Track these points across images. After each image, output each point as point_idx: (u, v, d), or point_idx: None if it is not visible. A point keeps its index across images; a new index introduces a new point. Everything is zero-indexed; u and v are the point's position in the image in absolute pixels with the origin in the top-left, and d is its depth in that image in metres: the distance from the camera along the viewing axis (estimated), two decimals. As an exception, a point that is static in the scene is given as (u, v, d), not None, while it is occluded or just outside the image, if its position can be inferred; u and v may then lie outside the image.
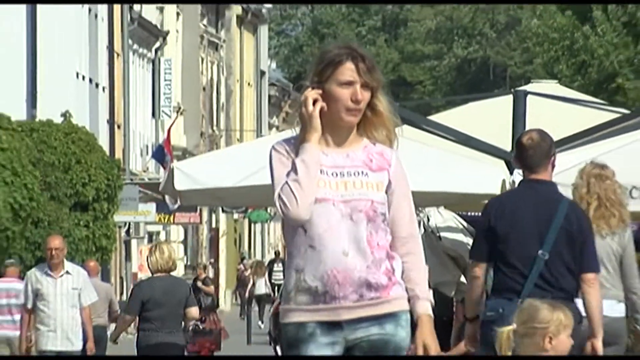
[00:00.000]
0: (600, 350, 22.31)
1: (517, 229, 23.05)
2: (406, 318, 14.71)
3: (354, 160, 14.26)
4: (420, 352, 14.51)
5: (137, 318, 37.01)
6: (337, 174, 14.19)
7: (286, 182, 14.27)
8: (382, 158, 14.26)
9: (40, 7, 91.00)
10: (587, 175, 26.44)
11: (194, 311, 37.38)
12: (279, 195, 14.19)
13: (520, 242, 22.87)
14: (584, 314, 22.21)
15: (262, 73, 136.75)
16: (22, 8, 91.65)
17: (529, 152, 24.95)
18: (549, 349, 15.80)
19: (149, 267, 38.22)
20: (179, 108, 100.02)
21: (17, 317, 43.82)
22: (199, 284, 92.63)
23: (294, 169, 14.34)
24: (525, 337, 15.97)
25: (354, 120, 14.02)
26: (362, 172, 14.32)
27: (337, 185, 14.16)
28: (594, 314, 22.40)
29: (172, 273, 38.72)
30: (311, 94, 14.03)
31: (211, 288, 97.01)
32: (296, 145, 14.24)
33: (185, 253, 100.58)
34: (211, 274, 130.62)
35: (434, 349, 14.60)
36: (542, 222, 23.17)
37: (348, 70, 13.91)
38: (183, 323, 37.70)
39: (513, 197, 24.60)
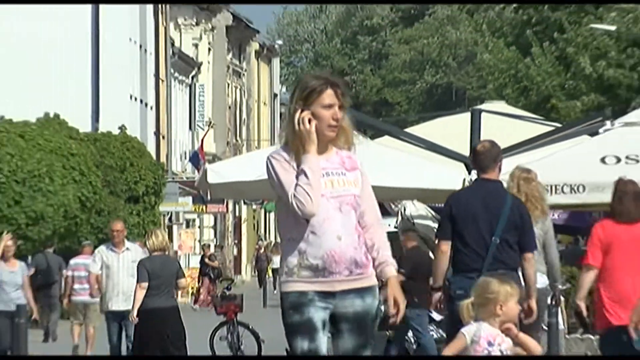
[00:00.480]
0: (534, 308, 25.99)
1: (473, 218, 26.60)
2: (376, 289, 16.73)
3: (333, 163, 16.24)
4: (391, 305, 16.37)
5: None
6: (324, 175, 16.10)
7: (299, 185, 16.02)
8: (351, 160, 16.37)
9: (102, 41, 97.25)
10: (517, 179, 30.42)
11: (183, 282, 41.76)
12: (295, 196, 16.06)
13: (477, 230, 26.29)
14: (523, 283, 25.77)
15: (275, 95, 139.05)
16: (88, 45, 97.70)
17: (481, 157, 28.66)
18: (500, 314, 18.26)
19: (147, 248, 43.25)
20: (210, 122, 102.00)
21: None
22: (206, 260, 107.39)
23: (303, 174, 16.15)
24: (480, 307, 18.36)
25: (334, 134, 16.32)
26: (341, 172, 16.34)
27: (325, 184, 16.08)
28: (530, 282, 26.15)
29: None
30: (305, 114, 16.13)
31: (215, 263, 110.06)
32: (290, 154, 16.14)
33: (215, 236, 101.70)
34: (235, 252, 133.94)
35: (401, 302, 16.43)
36: (492, 214, 26.64)
37: (329, 96, 16.19)
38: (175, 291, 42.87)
39: (469, 192, 28.66)
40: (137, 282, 41.86)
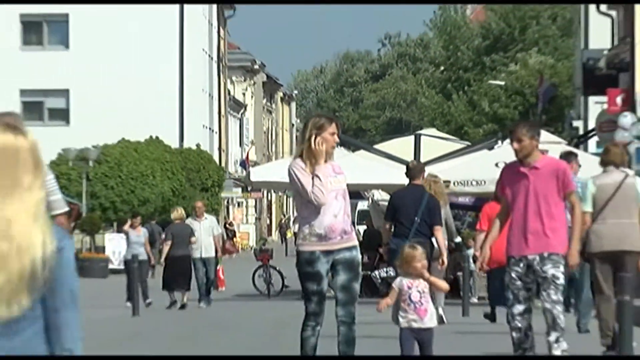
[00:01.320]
0: (445, 259, 25.67)
1: (405, 207, 25.87)
2: (357, 246, 16.46)
3: (328, 169, 15.80)
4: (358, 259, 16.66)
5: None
6: (331, 179, 15.72)
7: (316, 185, 15.62)
8: (338, 167, 16.17)
9: (186, 90, 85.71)
10: (427, 182, 28.97)
11: (193, 239, 41.22)
12: (314, 192, 15.64)
13: (407, 213, 25.63)
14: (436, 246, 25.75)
15: (292, 125, 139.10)
16: (176, 93, 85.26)
17: (411, 171, 27.95)
18: (410, 269, 16.58)
19: (173, 218, 44.37)
20: (252, 142, 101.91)
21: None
22: (227, 225, 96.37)
23: (318, 178, 15.71)
24: (401, 267, 16.93)
25: (333, 151, 16.37)
26: (334, 175, 15.91)
27: (332, 185, 15.78)
28: (440, 244, 25.48)
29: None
30: (319, 140, 15.65)
31: (233, 227, 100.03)
32: (304, 163, 15.66)
33: (255, 212, 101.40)
34: (268, 222, 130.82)
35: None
36: (416, 204, 25.94)
37: (333, 127, 15.84)
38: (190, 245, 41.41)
39: (404, 191, 27.72)
40: (164, 240, 43.87)
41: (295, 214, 16.43)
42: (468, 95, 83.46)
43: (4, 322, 5.75)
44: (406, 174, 28.54)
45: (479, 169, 39.40)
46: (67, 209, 14.11)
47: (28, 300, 5.80)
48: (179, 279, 40.16)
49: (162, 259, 42.72)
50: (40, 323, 5.93)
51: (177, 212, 45.31)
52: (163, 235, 46.48)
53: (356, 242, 16.08)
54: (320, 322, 15.62)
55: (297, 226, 18.00)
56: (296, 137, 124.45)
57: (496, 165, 33.72)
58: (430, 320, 15.59)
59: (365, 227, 54.02)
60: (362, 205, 68.24)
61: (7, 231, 6.03)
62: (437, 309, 17.28)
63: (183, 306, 41.17)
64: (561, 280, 15.63)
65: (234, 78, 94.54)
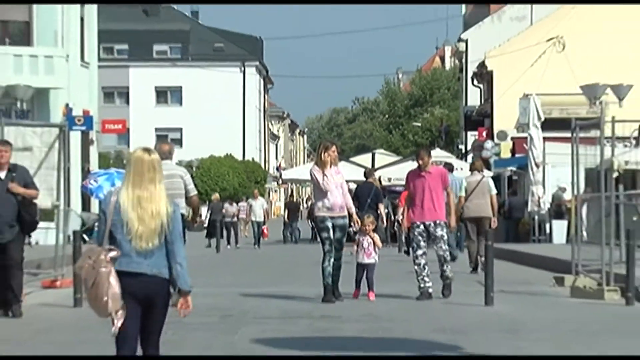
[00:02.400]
0: (385, 221, 24.63)
1: (363, 194, 23.34)
2: (347, 216, 14.97)
3: (333, 170, 14.76)
4: (356, 221, 15.14)
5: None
6: (334, 177, 14.67)
7: (324, 179, 14.57)
8: (338, 170, 15.12)
9: (247, 132, 77.37)
10: (375, 180, 26.86)
11: (225, 211, 39.18)
12: (323, 183, 14.63)
13: (363, 197, 22.78)
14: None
15: (304, 147, 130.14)
16: (240, 122, 76.17)
17: (366, 174, 27.04)
18: (364, 230, 15.25)
19: (212, 199, 42.78)
20: (282, 157, 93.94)
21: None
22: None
23: (326, 176, 14.64)
24: (359, 228, 15.45)
25: (336, 161, 15.23)
26: (336, 174, 14.83)
27: (335, 182, 14.66)
28: (382, 215, 22.51)
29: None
30: (326, 155, 14.64)
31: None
32: (318, 168, 14.60)
33: (284, 195, 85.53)
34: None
35: (355, 220, 15.13)
36: (368, 193, 23.44)
37: (334, 148, 14.94)
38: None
39: (362, 185, 24.97)
40: (207, 211, 40.25)
41: (314, 197, 13.67)
42: (401, 131, 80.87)
43: (145, 251, 6.76)
44: (364, 175, 26.95)
45: (406, 171, 35.38)
46: (196, 192, 14.18)
47: (157, 241, 6.80)
48: (212, 231, 36.21)
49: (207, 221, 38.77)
50: (164, 251, 6.92)
51: (215, 196, 43.55)
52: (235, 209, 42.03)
53: (346, 214, 14.95)
54: (331, 257, 14.76)
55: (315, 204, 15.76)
56: (307, 154, 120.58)
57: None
58: (372, 259, 15.00)
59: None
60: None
61: (154, 201, 6.97)
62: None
63: (237, 247, 37.47)
64: (445, 237, 15.12)
65: (272, 121, 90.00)
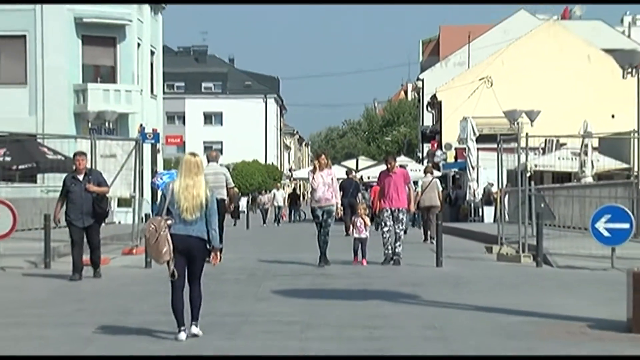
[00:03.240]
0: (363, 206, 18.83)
1: (348, 187, 22.07)
2: (334, 206, 13.73)
3: (325, 172, 13.63)
4: (339, 209, 14.05)
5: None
6: (324, 176, 13.55)
7: (313, 179, 13.63)
8: (329, 171, 13.79)
9: (268, 141, 74.24)
10: (355, 177, 25.74)
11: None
12: (312, 183, 13.74)
13: (347, 190, 21.50)
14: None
15: (309, 155, 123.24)
16: (262, 140, 73.36)
17: (349, 173, 25.80)
18: (358, 213, 14.35)
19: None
20: (293, 162, 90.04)
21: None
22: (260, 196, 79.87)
23: (318, 176, 13.61)
24: (355, 211, 14.84)
25: (328, 164, 13.93)
26: (327, 175, 13.62)
27: (323, 179, 13.58)
28: (361, 200, 21.39)
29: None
30: (316, 162, 13.83)
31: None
32: (314, 170, 13.70)
33: (292, 188, 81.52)
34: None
35: (339, 209, 14.17)
36: (351, 186, 22.42)
37: (324, 156, 13.84)
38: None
39: (346, 180, 23.15)
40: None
41: (310, 191, 13.08)
42: (377, 143, 78.72)
43: (189, 221, 7.13)
44: (345, 173, 25.79)
45: (379, 171, 35.78)
46: (233, 185, 14.50)
47: (198, 214, 7.18)
48: (233, 214, 33.57)
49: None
50: (204, 221, 7.27)
51: (234, 190, 39.22)
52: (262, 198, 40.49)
53: (333, 203, 13.76)
54: (322, 234, 13.63)
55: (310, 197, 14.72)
56: (310, 160, 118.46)
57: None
58: (363, 234, 13.90)
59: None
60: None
61: (196, 187, 7.26)
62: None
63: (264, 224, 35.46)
64: (404, 220, 14.34)
65: (286, 137, 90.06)
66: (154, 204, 24.89)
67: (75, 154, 11.95)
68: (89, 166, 12.50)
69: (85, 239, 11.59)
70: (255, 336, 7.20)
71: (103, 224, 12.44)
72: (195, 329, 7.19)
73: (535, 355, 6.18)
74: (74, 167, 11.63)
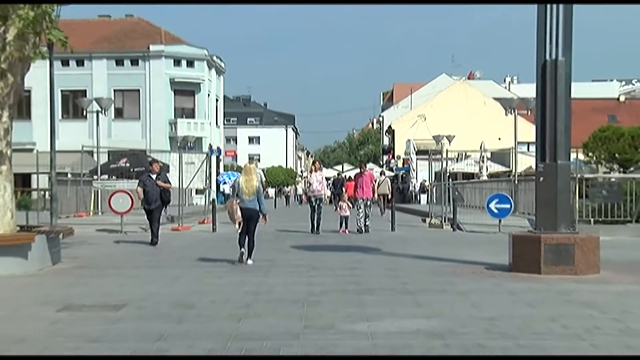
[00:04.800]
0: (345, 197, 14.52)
1: (335, 183, 20.18)
2: (323, 196, 12.65)
3: (318, 173, 12.64)
4: (327, 198, 14.75)
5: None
6: (317, 176, 12.57)
7: (309, 179, 12.77)
8: (320, 173, 12.76)
9: (288, 155, 68.31)
10: (340, 178, 21.41)
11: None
12: (309, 180, 12.78)
13: (337, 185, 19.33)
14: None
15: (313, 162, 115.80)
16: (284, 154, 67.34)
17: (337, 175, 24.58)
18: (344, 199, 13.09)
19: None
20: (303, 167, 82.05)
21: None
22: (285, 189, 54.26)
23: (310, 177, 12.75)
24: (342, 197, 13.37)
25: (320, 168, 12.95)
26: (319, 175, 12.63)
27: (316, 178, 12.56)
28: (344, 192, 15.29)
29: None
30: (311, 167, 13.01)
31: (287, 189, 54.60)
32: (310, 172, 13.11)
33: (304, 185, 72.39)
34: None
35: (327, 197, 15.04)
36: (340, 182, 19.00)
37: (318, 163, 13.04)
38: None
39: (336, 179, 21.17)
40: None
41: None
42: (354, 155, 72.03)
43: (248, 199, 7.74)
44: (336, 175, 25.11)
45: (355, 172, 32.99)
46: (265, 179, 14.11)
47: (253, 195, 7.79)
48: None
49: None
50: (256, 199, 7.84)
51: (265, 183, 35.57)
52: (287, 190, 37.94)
53: (322, 193, 12.67)
54: (314, 213, 12.42)
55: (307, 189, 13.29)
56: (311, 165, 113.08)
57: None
58: (347, 213, 12.73)
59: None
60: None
61: (251, 181, 7.81)
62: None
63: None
64: (371, 205, 13.05)
65: (299, 152, 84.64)
66: (217, 193, 24.27)
67: (152, 161, 11.52)
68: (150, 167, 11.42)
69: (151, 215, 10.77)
70: (279, 274, 6.91)
71: (168, 209, 11.89)
72: (249, 261, 7.88)
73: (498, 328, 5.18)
74: (150, 169, 11.05)
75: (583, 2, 8.11)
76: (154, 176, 10.84)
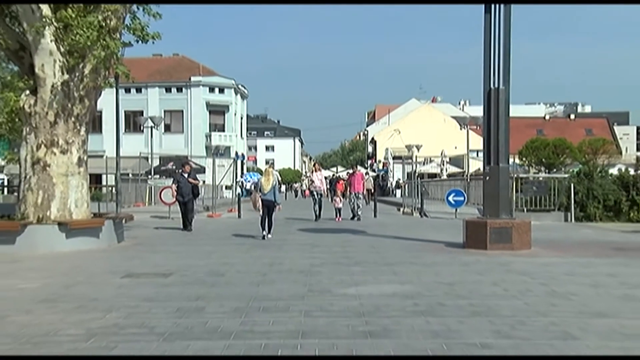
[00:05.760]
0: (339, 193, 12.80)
1: (333, 181, 15.54)
2: (323, 191, 11.78)
3: (319, 173, 11.96)
4: (325, 193, 11.54)
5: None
6: (317, 175, 11.88)
7: (311, 178, 11.96)
8: (320, 173, 11.99)
9: (296, 161, 64.73)
10: (334, 177, 18.15)
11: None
12: (312, 179, 11.69)
13: (333, 182, 14.76)
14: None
15: (314, 164, 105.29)
16: (293, 160, 63.48)
17: (333, 175, 23.13)
18: (339, 193, 12.23)
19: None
20: (306, 169, 76.87)
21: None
22: (296, 185, 46.33)
23: (312, 175, 11.85)
24: (335, 192, 12.51)
25: (319, 169, 12.17)
26: (319, 174, 11.94)
27: (317, 176, 11.89)
28: (339, 188, 13.02)
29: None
30: (312, 167, 12.35)
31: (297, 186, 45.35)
32: (312, 172, 11.75)
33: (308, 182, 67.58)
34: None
35: (325, 193, 11.65)
36: (335, 180, 15.07)
37: (318, 164, 12.46)
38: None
39: (332, 177, 18.70)
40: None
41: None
42: (347, 160, 66.91)
43: (267, 192, 7.84)
44: (332, 175, 24.38)
45: (347, 172, 29.34)
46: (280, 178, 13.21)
47: (270, 189, 7.87)
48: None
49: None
50: (272, 192, 7.90)
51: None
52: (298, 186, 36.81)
53: (322, 189, 11.79)
54: (315, 204, 11.56)
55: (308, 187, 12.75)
56: (312, 166, 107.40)
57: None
58: (340, 205, 11.95)
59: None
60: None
61: (269, 181, 7.85)
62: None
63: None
64: (362, 200, 12.21)
65: (304, 157, 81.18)
66: (242, 189, 24.20)
67: (184, 163, 10.92)
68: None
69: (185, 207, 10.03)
70: (288, 251, 6.78)
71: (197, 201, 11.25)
72: (268, 235, 8.08)
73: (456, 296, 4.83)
74: (182, 169, 10.30)
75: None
76: (186, 175, 10.33)
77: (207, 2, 14.56)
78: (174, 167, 20.30)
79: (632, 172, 11.48)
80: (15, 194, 7.66)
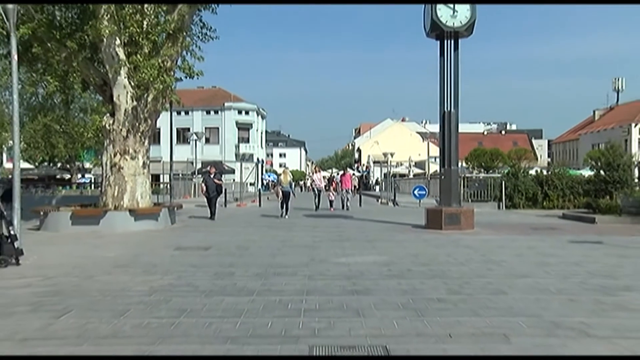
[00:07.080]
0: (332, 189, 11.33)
1: (329, 180, 12.60)
2: (323, 188, 10.89)
3: (319, 173, 11.46)
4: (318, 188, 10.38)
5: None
6: (317, 175, 11.24)
7: (311, 177, 11.57)
8: (319, 173, 11.31)
9: (302, 165, 58.63)
10: (331, 177, 13.09)
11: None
12: (313, 178, 11.03)
13: (329, 181, 12.41)
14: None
15: (315, 167, 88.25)
16: (300, 164, 57.34)
17: (331, 174, 15.32)
18: (332, 189, 11.19)
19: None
20: (310, 171, 71.43)
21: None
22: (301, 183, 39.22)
23: (313, 175, 11.14)
24: (328, 188, 11.49)
25: (319, 170, 11.58)
26: (319, 174, 11.42)
27: (317, 176, 11.25)
28: (333, 185, 11.86)
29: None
30: (313, 168, 12.45)
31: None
32: (313, 172, 11.07)
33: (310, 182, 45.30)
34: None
35: (323, 187, 10.21)
36: (332, 179, 12.74)
37: (317, 167, 11.98)
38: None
39: (329, 177, 13.40)
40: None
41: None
42: (340, 164, 57.97)
43: (285, 185, 7.23)
44: (330, 175, 16.54)
45: (339, 173, 25.02)
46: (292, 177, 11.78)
47: (288, 184, 7.11)
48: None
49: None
50: (288, 186, 7.64)
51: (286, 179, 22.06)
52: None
53: (321, 186, 11.32)
54: (317, 201, 10.79)
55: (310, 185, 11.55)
56: (313, 168, 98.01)
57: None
58: (332, 197, 11.52)
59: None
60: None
61: (286, 177, 7.79)
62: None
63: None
64: (351, 194, 11.66)
65: (308, 162, 78.01)
66: (262, 185, 24.39)
67: (210, 166, 10.51)
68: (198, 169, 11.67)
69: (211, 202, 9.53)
70: (296, 231, 6.84)
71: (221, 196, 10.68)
72: (286, 216, 8.46)
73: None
74: (209, 171, 9.87)
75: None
76: (212, 175, 9.95)
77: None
78: (214, 169, 20.14)
79: (545, 173, 11.81)
80: (99, 188, 8.40)
